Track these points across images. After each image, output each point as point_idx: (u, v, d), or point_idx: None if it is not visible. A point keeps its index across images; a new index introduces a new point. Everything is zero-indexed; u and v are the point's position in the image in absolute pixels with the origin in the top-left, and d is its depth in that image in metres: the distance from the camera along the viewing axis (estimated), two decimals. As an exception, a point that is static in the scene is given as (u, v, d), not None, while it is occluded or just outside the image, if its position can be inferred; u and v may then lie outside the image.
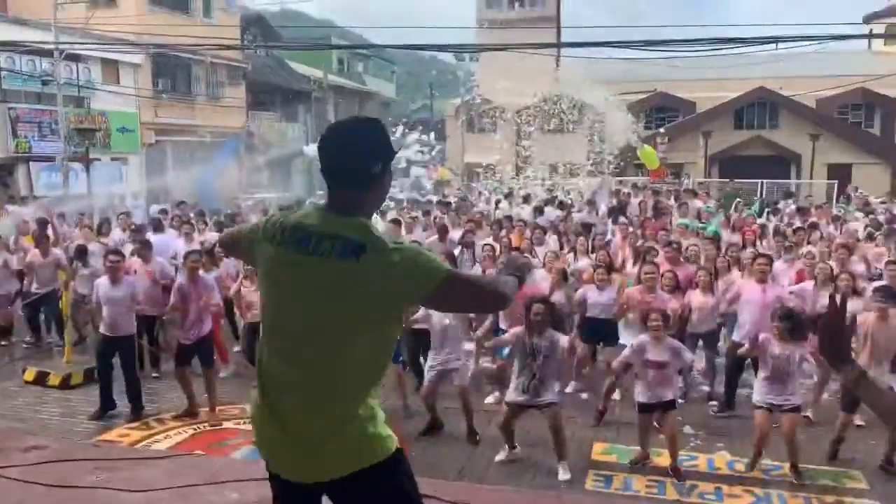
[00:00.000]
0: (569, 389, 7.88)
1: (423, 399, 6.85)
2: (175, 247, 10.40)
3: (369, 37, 71.16)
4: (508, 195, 19.23)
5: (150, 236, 10.32)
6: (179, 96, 26.84)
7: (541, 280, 8.09)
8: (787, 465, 5.92)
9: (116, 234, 11.60)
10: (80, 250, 9.67)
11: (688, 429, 6.87)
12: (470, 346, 7.30)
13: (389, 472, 2.14)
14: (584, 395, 7.83)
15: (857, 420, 6.46)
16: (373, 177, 2.11)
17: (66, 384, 8.25)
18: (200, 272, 7.67)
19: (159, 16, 24.33)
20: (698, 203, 15.07)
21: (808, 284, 7.99)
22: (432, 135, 37.16)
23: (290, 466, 2.16)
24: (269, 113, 32.41)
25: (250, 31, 32.62)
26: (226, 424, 7.24)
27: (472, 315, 7.03)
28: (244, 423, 7.21)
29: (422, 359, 7.46)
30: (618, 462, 6.26)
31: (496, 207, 16.75)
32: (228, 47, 24.39)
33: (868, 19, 42.09)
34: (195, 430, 7.13)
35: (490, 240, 10.24)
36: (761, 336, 6.03)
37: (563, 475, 5.92)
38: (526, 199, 17.71)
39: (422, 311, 6.73)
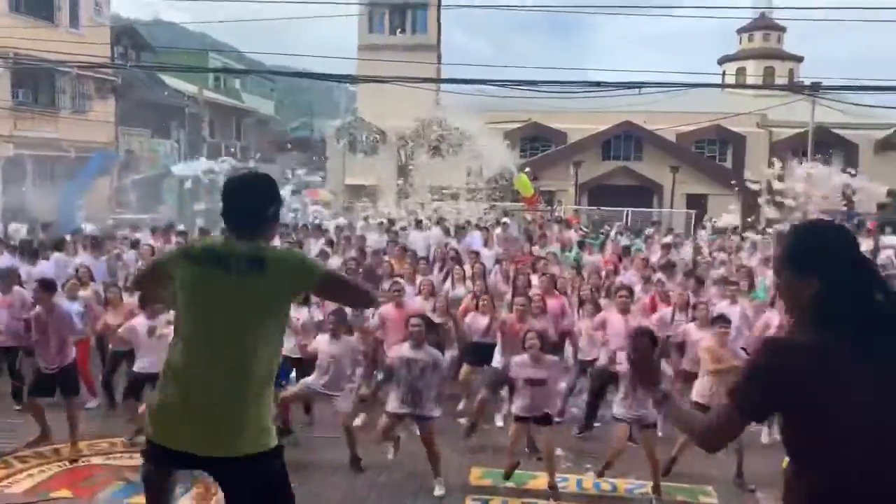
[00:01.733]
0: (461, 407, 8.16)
1: (282, 400, 6.72)
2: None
3: (248, 52, 69.70)
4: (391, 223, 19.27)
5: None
6: (41, 108, 25.34)
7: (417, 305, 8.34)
8: (649, 484, 6.36)
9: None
10: None
11: (558, 451, 7.23)
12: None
13: (277, 459, 2.68)
14: (463, 420, 8.06)
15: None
16: (268, 217, 2.85)
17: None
18: (63, 300, 7.37)
19: (21, 23, 22.95)
20: (571, 233, 15.81)
21: (667, 311, 8.63)
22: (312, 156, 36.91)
23: (200, 443, 2.60)
24: (140, 129, 31.09)
25: (121, 43, 31.27)
26: (94, 460, 6.93)
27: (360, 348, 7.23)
28: (113, 457, 6.95)
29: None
30: (495, 486, 6.50)
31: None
32: (100, 65, 23.31)
33: (721, 61, 45.66)
34: (60, 467, 6.78)
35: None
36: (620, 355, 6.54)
37: (438, 491, 6.14)
38: (418, 223, 17.82)
39: (315, 340, 6.92)
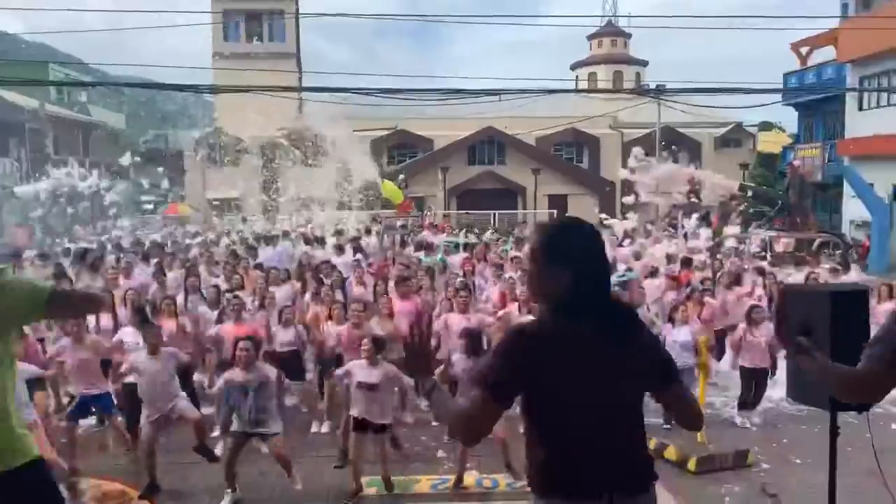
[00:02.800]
0: (324, 429, 8.01)
1: (146, 454, 6.36)
2: None
3: (94, 64, 65.77)
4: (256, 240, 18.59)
5: None
6: None
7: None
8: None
9: None
10: None
11: (440, 452, 7.29)
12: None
13: (44, 471, 2.77)
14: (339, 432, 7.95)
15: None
16: None
17: None
18: None
19: None
20: (441, 236, 16.02)
21: (514, 307, 8.89)
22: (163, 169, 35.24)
23: None
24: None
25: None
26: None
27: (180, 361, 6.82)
28: None
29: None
30: (376, 494, 6.45)
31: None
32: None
33: (574, 67, 47.83)
34: None
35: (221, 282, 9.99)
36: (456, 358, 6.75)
37: (297, 485, 6.16)
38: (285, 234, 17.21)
39: (133, 363, 6.52)
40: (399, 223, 21.77)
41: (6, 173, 30.24)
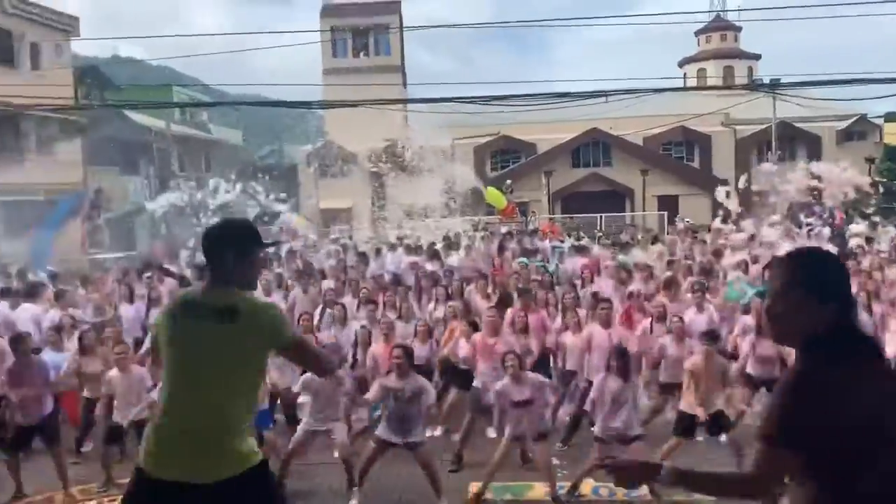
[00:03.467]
0: (437, 433, 8.15)
1: (287, 455, 6.70)
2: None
3: (213, 84, 69.44)
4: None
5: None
6: (7, 153, 25.08)
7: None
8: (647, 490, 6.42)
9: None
10: None
11: (555, 460, 7.27)
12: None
13: (260, 474, 2.94)
14: (456, 437, 8.07)
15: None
16: (234, 264, 2.97)
17: None
18: (46, 351, 7.34)
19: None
20: (546, 242, 15.88)
21: (646, 323, 8.57)
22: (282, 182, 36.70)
23: (191, 471, 2.82)
24: (108, 167, 30.84)
25: (84, 82, 31.08)
26: (89, 504, 6.86)
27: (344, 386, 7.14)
28: (107, 500, 6.88)
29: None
30: (493, 499, 6.53)
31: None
32: (67, 107, 23.14)
33: (682, 63, 46.48)
34: (55, 515, 6.71)
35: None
36: (598, 379, 6.61)
37: None
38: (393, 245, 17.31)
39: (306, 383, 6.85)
40: (503, 229, 21.78)
41: (137, 190, 32.37)
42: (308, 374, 6.81)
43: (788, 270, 2.17)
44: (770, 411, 2.10)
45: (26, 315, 10.11)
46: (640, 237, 18.24)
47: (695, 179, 35.53)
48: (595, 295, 8.95)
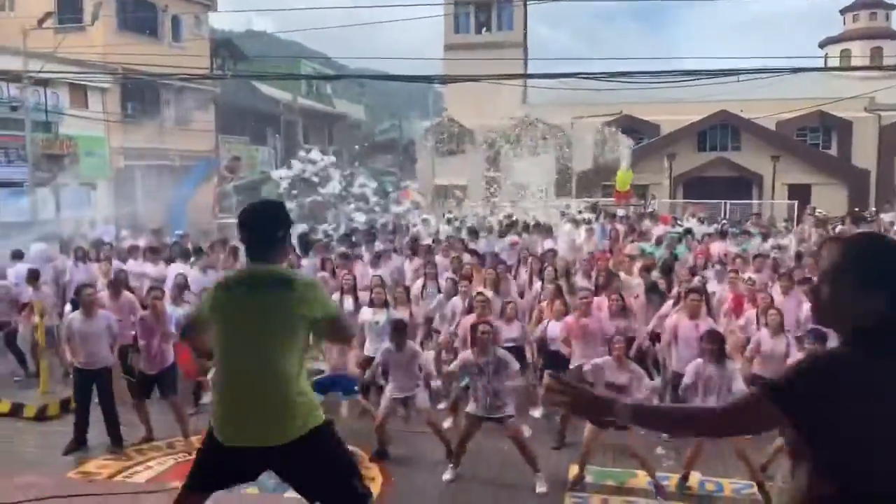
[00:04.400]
0: (537, 414, 8.10)
1: (377, 426, 6.95)
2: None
3: (337, 58, 71.31)
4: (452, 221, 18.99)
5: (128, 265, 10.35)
6: (148, 120, 26.73)
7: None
8: (755, 486, 6.15)
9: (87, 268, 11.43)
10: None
11: (659, 450, 7.08)
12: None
13: (326, 433, 3.04)
14: (558, 418, 7.99)
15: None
16: (276, 241, 3.19)
17: (42, 415, 8.21)
18: (166, 306, 7.81)
19: (127, 40, 24.28)
20: (661, 227, 15.35)
21: (752, 314, 8.22)
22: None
23: (259, 436, 2.95)
24: (238, 136, 32.34)
25: (219, 54, 32.62)
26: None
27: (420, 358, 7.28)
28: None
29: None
30: (594, 483, 6.43)
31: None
32: (200, 77, 24.39)
33: (823, 44, 43.51)
34: (175, 460, 7.15)
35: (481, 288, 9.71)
36: (693, 364, 6.32)
37: (540, 488, 6.18)
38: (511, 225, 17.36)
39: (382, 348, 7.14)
40: (619, 212, 21.26)
41: (265, 160, 33.77)
42: (386, 345, 7.09)
43: (840, 254, 2.02)
44: (784, 370, 2.04)
45: (154, 272, 10.79)
46: (764, 227, 17.27)
47: (831, 168, 33.33)
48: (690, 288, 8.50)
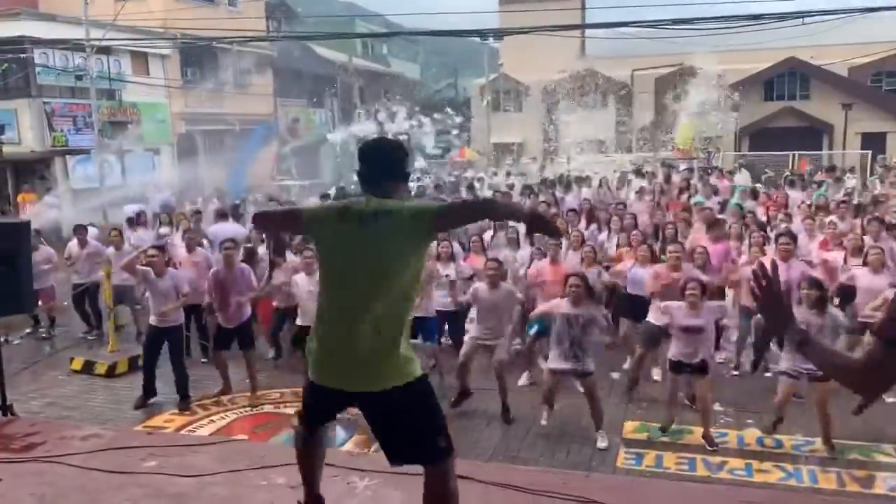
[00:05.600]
0: (616, 375, 8.03)
1: (459, 366, 7.07)
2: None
3: (392, 15, 70.78)
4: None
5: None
6: (208, 85, 27.16)
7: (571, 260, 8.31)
8: (818, 441, 6.00)
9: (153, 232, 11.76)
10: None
11: (717, 406, 6.95)
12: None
13: (421, 386, 2.89)
14: (615, 375, 7.94)
15: (890, 397, 6.47)
16: (393, 176, 3.03)
17: (111, 373, 8.57)
18: (238, 261, 7.94)
19: (185, 6, 24.58)
20: (724, 182, 15.05)
21: (838, 255, 8.05)
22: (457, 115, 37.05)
23: (351, 381, 2.88)
24: (296, 99, 32.59)
25: (274, 17, 32.76)
26: (265, 408, 7.49)
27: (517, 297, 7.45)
28: (283, 406, 7.47)
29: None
30: (649, 439, 6.38)
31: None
32: (255, 38, 24.59)
33: (902, -18, 40.99)
34: (237, 414, 7.39)
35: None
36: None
37: (601, 443, 6.22)
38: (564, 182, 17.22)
39: (471, 288, 7.29)
40: (682, 166, 20.71)
41: (322, 122, 34.02)
42: (477, 285, 7.14)
43: None
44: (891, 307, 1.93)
45: (226, 231, 11.00)
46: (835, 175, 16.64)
47: (909, 115, 31.67)
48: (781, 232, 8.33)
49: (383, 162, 3.05)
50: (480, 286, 7.14)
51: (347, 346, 2.85)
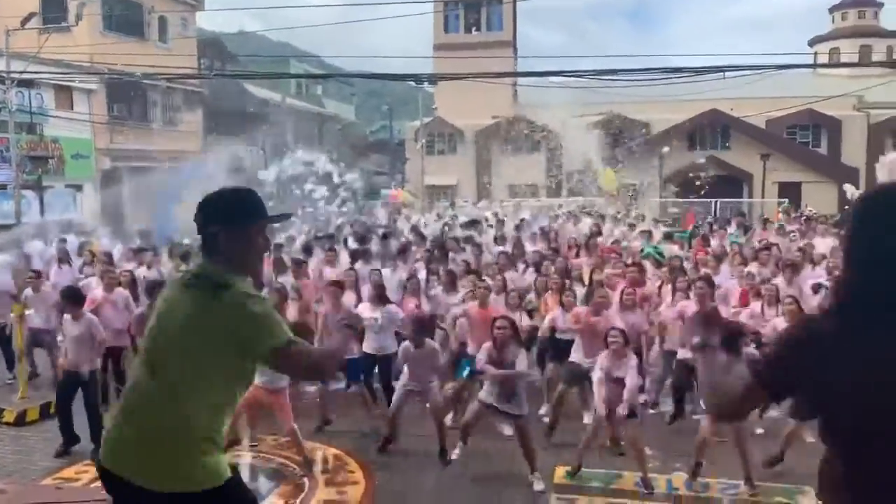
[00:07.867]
0: (542, 411, 8.02)
1: (391, 416, 7.00)
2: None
3: (327, 58, 71.22)
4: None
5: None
6: (135, 122, 26.58)
7: (497, 304, 8.30)
8: (742, 485, 6.07)
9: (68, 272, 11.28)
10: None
11: (646, 450, 6.98)
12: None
13: (224, 499, 2.41)
14: (546, 417, 7.92)
15: (808, 436, 6.62)
16: (213, 234, 2.56)
17: (21, 421, 8.07)
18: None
19: (113, 41, 24.10)
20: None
21: (757, 306, 8.26)
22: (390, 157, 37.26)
23: (141, 474, 2.38)
24: (226, 137, 32.12)
25: (207, 55, 32.43)
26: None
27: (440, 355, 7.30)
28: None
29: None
30: (580, 485, 6.34)
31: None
32: (187, 76, 24.24)
33: (812, 42, 43.65)
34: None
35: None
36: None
37: (538, 486, 6.15)
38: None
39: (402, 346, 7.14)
40: (611, 210, 21.25)
41: (253, 162, 33.56)
42: (405, 344, 7.06)
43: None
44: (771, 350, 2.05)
45: (150, 273, 10.61)
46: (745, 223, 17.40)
47: (821, 166, 33.43)
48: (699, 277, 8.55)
49: (200, 220, 2.61)
50: (406, 345, 7.04)
51: (141, 433, 2.42)
